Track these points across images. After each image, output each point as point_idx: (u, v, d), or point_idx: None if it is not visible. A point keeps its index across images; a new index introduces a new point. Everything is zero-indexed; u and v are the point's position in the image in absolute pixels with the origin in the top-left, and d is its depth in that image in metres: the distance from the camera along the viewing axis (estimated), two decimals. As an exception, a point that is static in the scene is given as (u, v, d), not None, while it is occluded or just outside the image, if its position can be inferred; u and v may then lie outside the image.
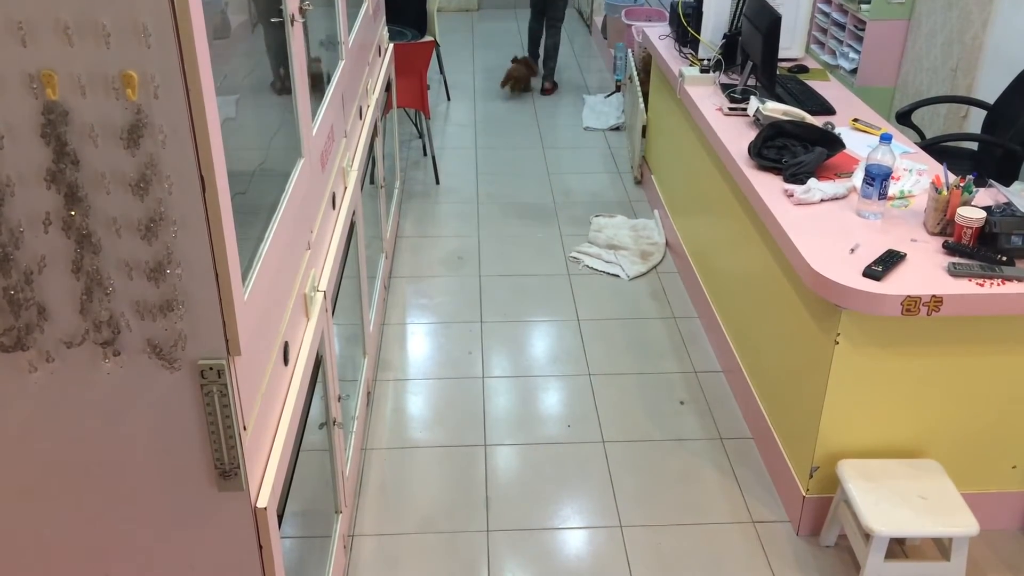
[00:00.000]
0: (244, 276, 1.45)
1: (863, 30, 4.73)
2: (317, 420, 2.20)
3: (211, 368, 1.40)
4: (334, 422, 2.26)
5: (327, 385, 2.20)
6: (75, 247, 1.30)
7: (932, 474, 2.41)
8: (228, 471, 1.48)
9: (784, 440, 2.74)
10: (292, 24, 1.86)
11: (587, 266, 4.09)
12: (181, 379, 1.41)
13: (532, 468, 2.89)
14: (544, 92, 6.43)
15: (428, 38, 5.59)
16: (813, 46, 5.24)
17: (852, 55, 4.90)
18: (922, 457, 2.50)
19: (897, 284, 2.26)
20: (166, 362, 1.39)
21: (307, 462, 2.06)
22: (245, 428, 1.48)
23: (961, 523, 2.27)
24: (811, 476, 2.54)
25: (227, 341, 1.39)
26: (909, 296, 2.22)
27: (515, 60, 6.39)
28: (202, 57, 1.21)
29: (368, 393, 3.12)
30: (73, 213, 1.28)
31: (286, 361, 1.78)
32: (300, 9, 1.90)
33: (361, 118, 3.12)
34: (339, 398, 2.33)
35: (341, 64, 2.61)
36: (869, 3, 4.66)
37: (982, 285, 2.26)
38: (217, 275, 1.34)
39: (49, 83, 1.20)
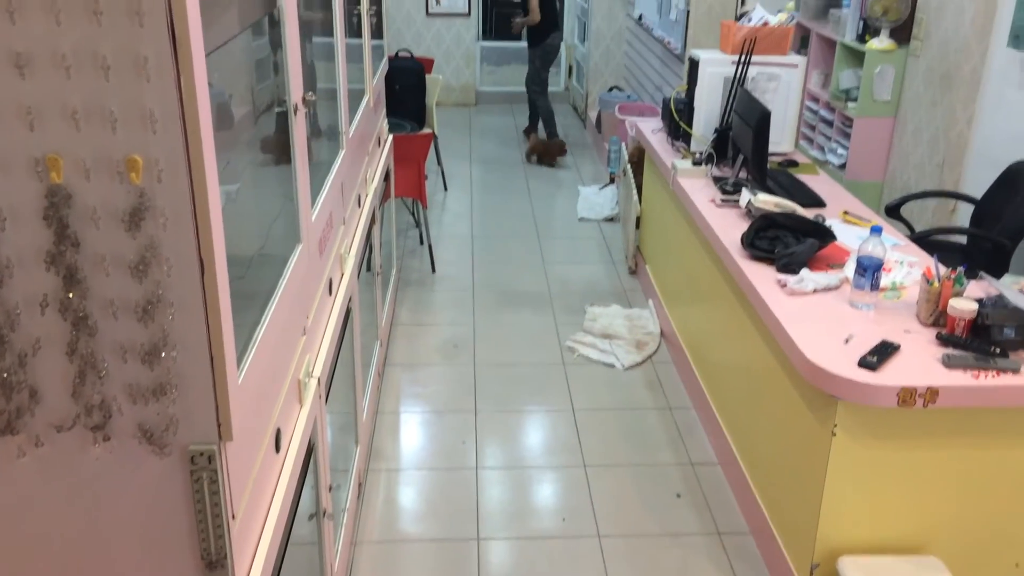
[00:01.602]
0: (239, 360, 1.44)
1: (850, 127, 4.84)
2: (307, 511, 2.15)
3: (201, 454, 1.38)
4: (324, 513, 2.21)
5: (318, 474, 2.16)
6: (71, 329, 1.30)
7: (934, 571, 2.36)
8: (215, 561, 1.44)
9: (783, 535, 2.69)
10: (295, 114, 1.90)
11: (582, 355, 4.08)
12: (171, 465, 1.39)
13: (526, 563, 2.82)
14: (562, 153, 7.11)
15: (427, 130, 5.71)
16: (802, 142, 5.36)
17: (840, 151, 5.01)
18: (924, 553, 2.44)
19: (892, 375, 2.25)
20: (156, 447, 1.37)
21: (295, 555, 2.01)
22: (234, 516, 1.45)
23: (967, 622, 2.21)
24: (811, 573, 2.48)
25: (219, 425, 1.37)
26: (905, 387, 2.21)
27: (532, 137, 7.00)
28: (206, 141, 1.23)
29: (360, 484, 3.06)
30: (71, 295, 1.28)
31: (278, 448, 1.76)
32: (304, 100, 1.94)
33: (360, 206, 3.16)
34: (330, 488, 2.29)
35: (341, 153, 2.66)
36: (855, 101, 4.79)
37: (977, 377, 2.25)
38: (212, 358, 1.33)
39: (54, 167, 1.22)
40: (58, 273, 1.27)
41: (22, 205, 1.23)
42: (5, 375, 1.31)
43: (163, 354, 1.32)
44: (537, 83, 7.10)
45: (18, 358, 1.31)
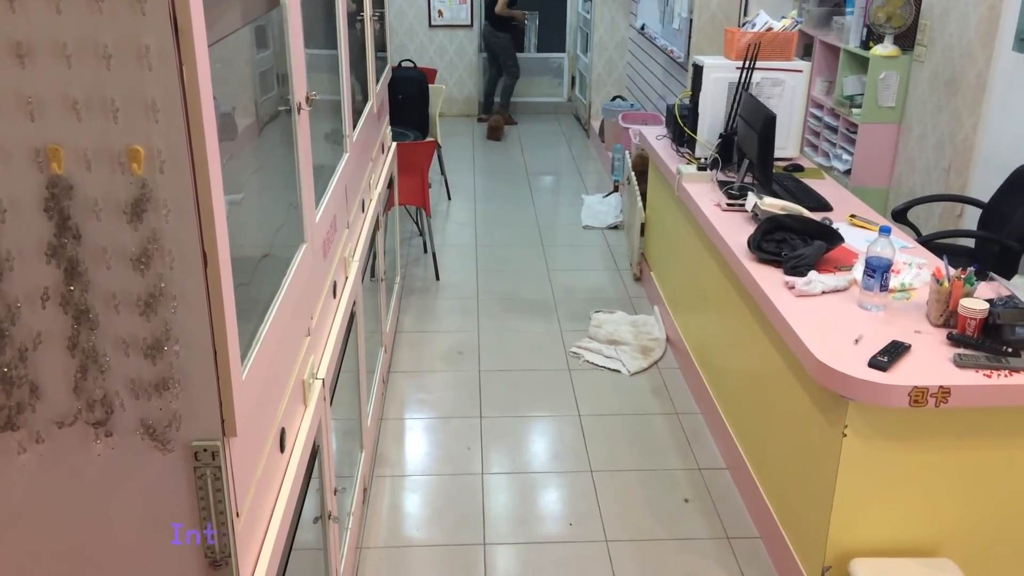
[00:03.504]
0: (243, 356, 1.42)
1: (855, 133, 4.82)
2: (311, 514, 2.13)
3: (205, 450, 1.36)
4: (329, 516, 2.19)
5: (323, 476, 2.14)
6: (72, 323, 1.28)
7: (947, 574, 2.32)
8: (219, 560, 1.42)
9: (794, 539, 2.66)
10: (299, 112, 1.88)
11: (587, 361, 4.05)
12: (174, 461, 1.37)
13: (533, 569, 2.79)
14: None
15: (429, 139, 5.71)
16: (807, 149, 5.34)
17: (845, 156, 4.99)
18: (937, 555, 2.41)
19: (904, 375, 2.23)
20: (159, 443, 1.35)
21: (299, 562, 1.98)
22: (238, 515, 1.43)
23: (982, 625, 2.17)
24: (823, 576, 2.45)
25: (223, 421, 1.35)
26: (916, 387, 2.19)
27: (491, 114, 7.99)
28: (209, 131, 1.22)
29: (364, 489, 3.04)
30: (72, 288, 1.26)
31: (282, 448, 1.74)
32: (307, 98, 1.93)
33: (363, 211, 3.14)
34: (335, 491, 2.26)
35: (345, 156, 2.65)
36: (860, 107, 4.78)
37: (989, 376, 2.23)
38: (216, 352, 1.31)
39: (55, 157, 1.20)
40: (59, 266, 1.25)
41: (23, 196, 1.22)
42: (5, 370, 1.29)
43: (165, 348, 1.30)
44: None
45: (18, 353, 1.29)
